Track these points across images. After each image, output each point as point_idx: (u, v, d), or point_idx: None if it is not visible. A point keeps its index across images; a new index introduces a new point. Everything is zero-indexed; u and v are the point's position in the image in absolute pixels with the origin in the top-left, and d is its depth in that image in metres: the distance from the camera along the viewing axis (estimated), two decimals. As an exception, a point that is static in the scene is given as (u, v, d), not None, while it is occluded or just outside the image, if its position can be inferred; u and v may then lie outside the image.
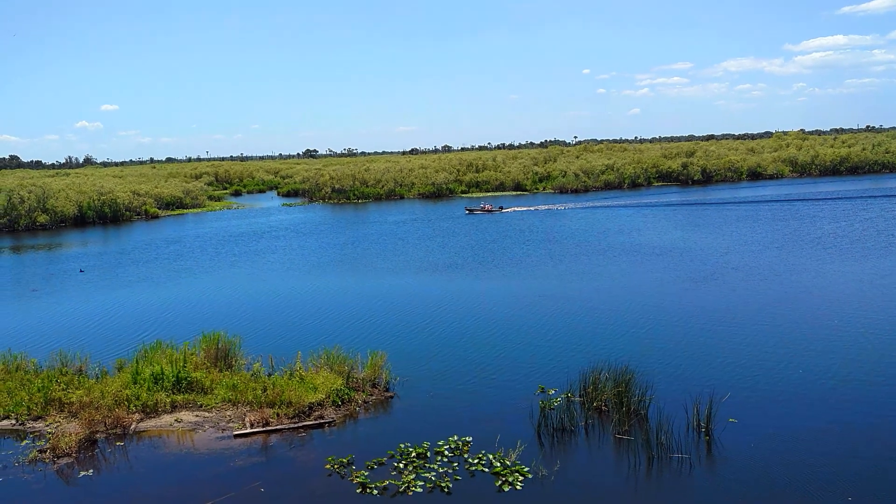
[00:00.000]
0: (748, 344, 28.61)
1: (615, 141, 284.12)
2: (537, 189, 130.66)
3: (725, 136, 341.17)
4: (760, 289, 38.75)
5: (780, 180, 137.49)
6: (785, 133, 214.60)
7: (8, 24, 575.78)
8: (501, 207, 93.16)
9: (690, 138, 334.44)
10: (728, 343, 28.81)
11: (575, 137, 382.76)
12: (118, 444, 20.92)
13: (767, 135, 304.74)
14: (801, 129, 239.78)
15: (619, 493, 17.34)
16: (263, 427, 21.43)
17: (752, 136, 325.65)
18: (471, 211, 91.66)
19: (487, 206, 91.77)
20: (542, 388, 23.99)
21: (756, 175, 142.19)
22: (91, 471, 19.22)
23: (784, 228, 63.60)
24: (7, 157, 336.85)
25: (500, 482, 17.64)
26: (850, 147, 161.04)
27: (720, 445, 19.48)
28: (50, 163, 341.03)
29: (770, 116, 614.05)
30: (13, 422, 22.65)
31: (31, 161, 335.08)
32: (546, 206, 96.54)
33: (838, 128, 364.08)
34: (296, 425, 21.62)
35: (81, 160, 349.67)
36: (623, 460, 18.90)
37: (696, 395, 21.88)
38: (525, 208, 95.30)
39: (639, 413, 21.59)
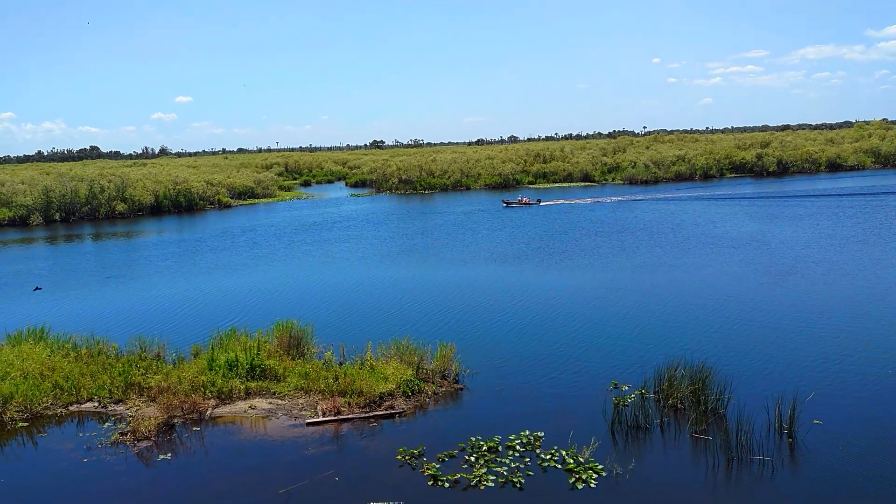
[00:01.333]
0: (832, 342, 27.45)
1: (686, 131, 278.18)
2: (606, 180, 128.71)
3: (801, 127, 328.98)
4: (844, 284, 37.21)
5: (862, 172, 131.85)
6: (867, 123, 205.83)
7: (84, 15, 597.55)
8: (539, 200, 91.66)
9: (764, 129, 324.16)
10: (810, 340, 27.70)
11: (644, 128, 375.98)
12: (194, 428, 21.37)
13: (847, 125, 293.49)
14: (884, 119, 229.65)
15: (697, 494, 16.81)
16: (335, 416, 21.58)
17: (831, 127, 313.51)
18: (508, 204, 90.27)
19: (525, 200, 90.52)
20: (615, 384, 23.50)
21: (835, 166, 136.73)
22: (169, 454, 19.66)
23: (867, 221, 60.98)
24: (88, 147, 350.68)
25: (573, 479, 17.31)
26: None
27: (804, 448, 18.69)
28: (127, 153, 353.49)
29: (850, 106, 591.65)
30: (96, 404, 23.40)
31: (110, 151, 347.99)
32: (591, 199, 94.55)
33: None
34: (367, 415, 21.70)
35: (157, 151, 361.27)
36: (700, 461, 18.33)
37: (778, 395, 21.06)
38: (565, 201, 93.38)
39: (717, 412, 20.92)
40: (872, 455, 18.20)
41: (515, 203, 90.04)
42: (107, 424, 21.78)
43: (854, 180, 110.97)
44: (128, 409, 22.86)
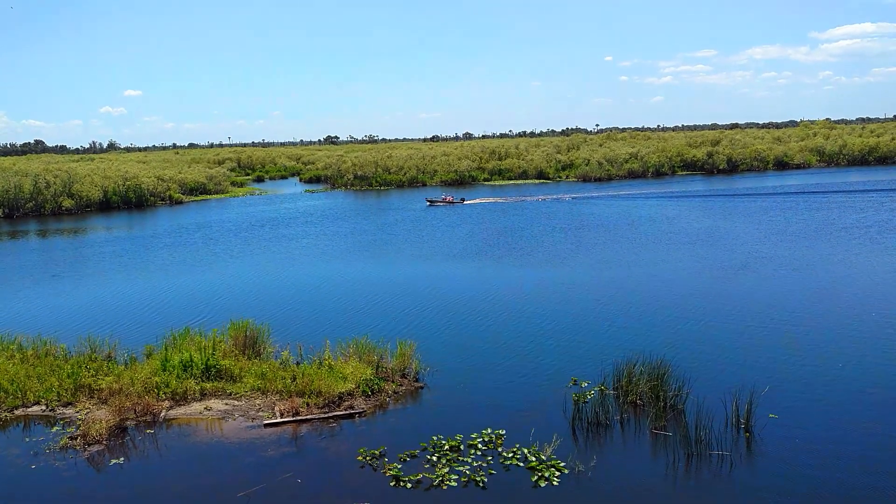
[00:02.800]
0: (785, 336, 27.98)
1: (638, 129, 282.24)
2: (560, 177, 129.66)
3: (749, 125, 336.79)
4: (795, 279, 38.03)
5: (808, 170, 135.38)
6: (812, 122, 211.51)
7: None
8: (463, 199, 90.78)
9: (714, 127, 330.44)
10: (764, 335, 28.19)
11: (597, 125, 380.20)
12: (148, 431, 20.78)
13: (792, 124, 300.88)
14: (827, 119, 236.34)
15: (658, 490, 16.91)
16: (293, 417, 21.21)
17: (777, 125, 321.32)
18: (432, 202, 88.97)
19: (449, 198, 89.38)
20: (575, 381, 23.55)
21: (782, 164, 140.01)
22: (122, 458, 19.08)
23: (815, 218, 62.46)
24: (32, 141, 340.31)
25: (535, 477, 17.26)
26: (878, 137, 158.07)
27: (761, 442, 18.96)
28: (74, 147, 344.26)
29: (795, 105, 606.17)
30: (43, 408, 22.60)
31: (56, 146, 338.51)
32: (515, 199, 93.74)
33: (865, 117, 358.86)
34: (326, 415, 21.37)
35: (105, 145, 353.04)
36: (661, 456, 18.46)
37: (735, 390, 21.32)
38: (489, 200, 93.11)
39: (675, 408, 21.12)
40: (828, 446, 18.55)
41: (439, 202, 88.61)
42: (55, 429, 21.04)
43: (801, 178, 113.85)
44: (77, 412, 22.12)
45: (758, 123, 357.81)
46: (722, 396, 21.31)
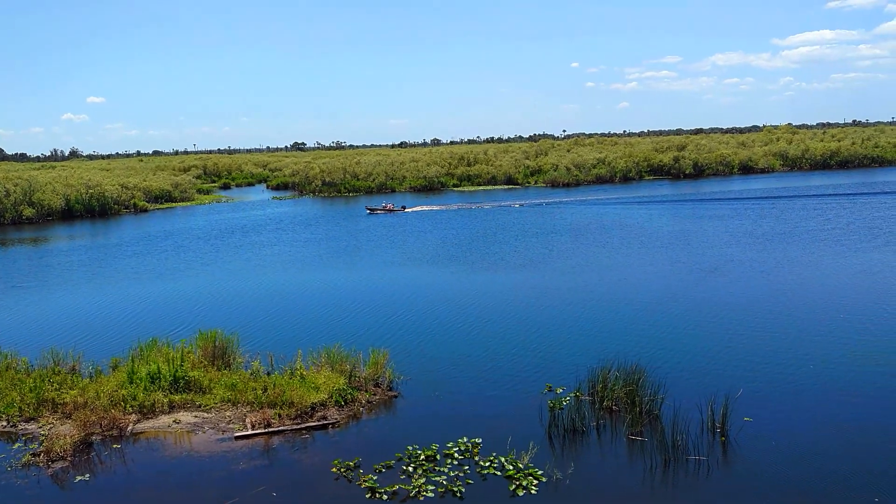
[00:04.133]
0: (757, 338, 28.21)
1: (605, 135, 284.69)
2: (529, 183, 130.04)
3: (714, 130, 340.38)
4: (764, 282, 38.41)
5: (772, 174, 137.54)
6: (775, 127, 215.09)
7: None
8: (404, 207, 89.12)
9: (679, 132, 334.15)
10: (737, 338, 28.36)
11: (564, 131, 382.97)
12: (115, 446, 20.19)
13: (755, 129, 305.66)
14: (789, 123, 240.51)
15: (636, 496, 16.80)
16: (265, 428, 20.76)
17: (741, 130, 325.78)
18: (372, 210, 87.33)
19: (389, 206, 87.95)
20: (550, 387, 23.41)
21: (747, 169, 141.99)
22: (87, 475, 18.49)
23: (782, 222, 63.30)
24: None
25: (513, 486, 17.04)
26: (839, 141, 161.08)
27: (737, 446, 18.98)
28: (35, 155, 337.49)
29: (758, 110, 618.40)
30: (4, 423, 21.87)
31: (16, 154, 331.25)
32: (459, 206, 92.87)
33: (825, 122, 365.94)
34: (298, 426, 20.95)
35: (67, 153, 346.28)
36: (638, 462, 18.37)
37: (710, 394, 21.34)
38: (431, 207, 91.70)
39: (651, 413, 21.05)
40: (803, 447, 18.64)
41: (379, 209, 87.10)
42: (17, 445, 20.34)
43: (766, 182, 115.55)
44: (40, 427, 21.43)
45: (722, 129, 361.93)
46: (697, 401, 21.30)
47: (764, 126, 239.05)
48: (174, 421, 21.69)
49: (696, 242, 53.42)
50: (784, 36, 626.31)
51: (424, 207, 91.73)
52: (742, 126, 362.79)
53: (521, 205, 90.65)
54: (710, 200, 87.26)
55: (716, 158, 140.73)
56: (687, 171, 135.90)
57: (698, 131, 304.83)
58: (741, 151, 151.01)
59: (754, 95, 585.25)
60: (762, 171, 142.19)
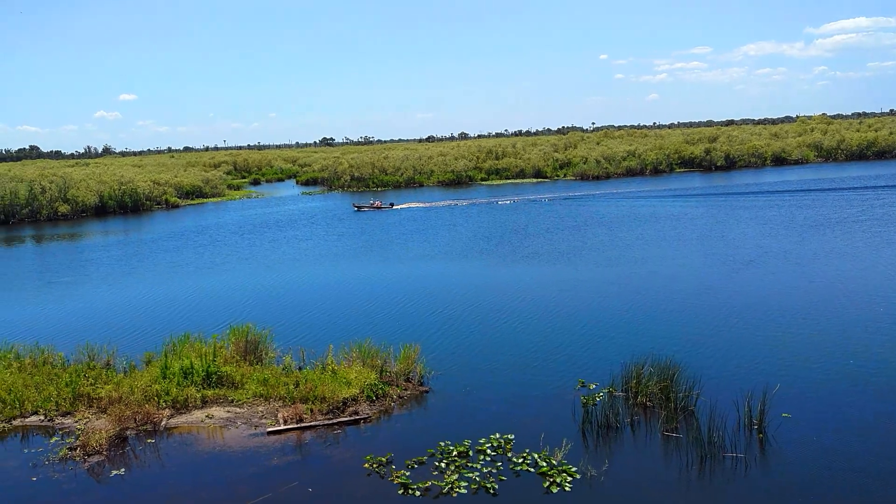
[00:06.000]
0: (794, 332, 27.68)
1: (634, 127, 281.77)
2: (558, 176, 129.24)
3: (745, 122, 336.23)
4: (801, 274, 37.73)
5: (806, 165, 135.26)
6: (809, 118, 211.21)
7: (16, 5, 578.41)
8: (392, 204, 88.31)
9: (709, 124, 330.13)
10: (774, 332, 27.84)
11: (592, 124, 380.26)
12: (149, 441, 20.34)
13: (788, 119, 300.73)
14: (823, 114, 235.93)
15: (672, 493, 16.51)
16: (297, 423, 20.78)
17: (773, 121, 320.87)
18: (359, 208, 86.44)
19: (377, 203, 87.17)
20: (583, 383, 23.15)
21: (780, 160, 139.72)
22: (123, 469, 18.64)
23: (818, 213, 62.15)
24: (27, 147, 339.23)
25: (547, 483, 16.86)
26: (876, 131, 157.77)
27: (775, 443, 18.58)
28: (69, 153, 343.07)
29: (790, 101, 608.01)
30: (42, 418, 22.16)
31: (51, 151, 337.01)
32: (445, 203, 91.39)
33: (861, 112, 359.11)
34: (330, 422, 20.95)
35: (100, 150, 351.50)
36: (673, 459, 18.07)
37: (746, 390, 20.93)
38: (421, 204, 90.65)
39: (686, 409, 20.72)
40: (842, 444, 18.22)
41: (367, 207, 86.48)
42: (54, 439, 20.59)
43: (800, 173, 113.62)
44: (76, 421, 21.68)
45: (753, 120, 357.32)
46: (733, 396, 20.93)
47: (797, 116, 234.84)
48: (207, 416, 21.80)
49: (730, 235, 52.63)
50: (818, 24, 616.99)
51: (414, 204, 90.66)
52: (774, 117, 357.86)
53: (549, 199, 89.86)
54: (744, 193, 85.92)
55: (748, 150, 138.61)
56: (718, 163, 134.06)
57: (729, 123, 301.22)
58: (774, 143, 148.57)
59: (787, 85, 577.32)
60: (796, 162, 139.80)
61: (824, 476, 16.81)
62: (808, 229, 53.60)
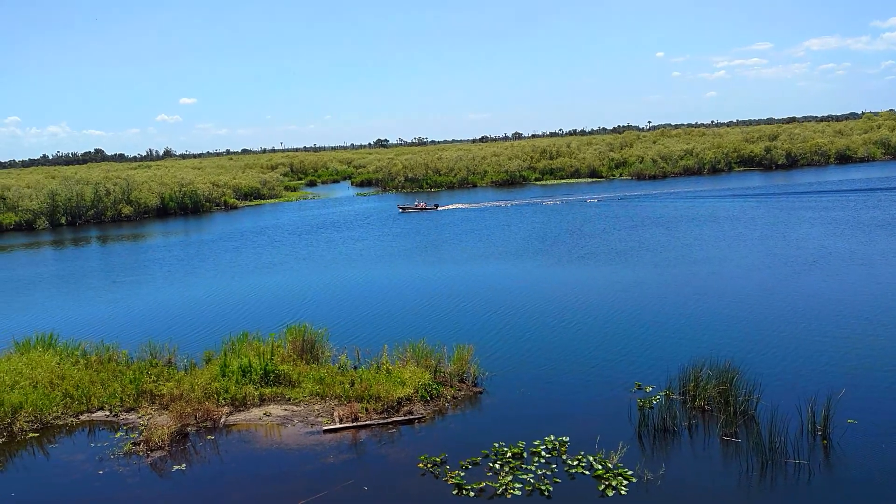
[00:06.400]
0: (860, 335, 26.81)
1: (691, 125, 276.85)
2: (613, 175, 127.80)
3: (807, 119, 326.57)
4: (867, 275, 36.53)
5: (872, 163, 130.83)
6: (875, 114, 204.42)
7: (86, 15, 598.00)
8: (437, 205, 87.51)
9: (770, 121, 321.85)
10: (838, 334, 27.02)
11: (649, 122, 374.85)
12: (208, 437, 20.79)
13: (853, 116, 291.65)
14: (891, 110, 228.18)
15: (732, 499, 16.15)
16: (352, 422, 20.99)
17: (836, 118, 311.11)
18: (404, 209, 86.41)
19: (421, 204, 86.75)
20: (639, 385, 22.85)
21: (845, 158, 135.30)
22: (184, 465, 19.10)
23: (885, 213, 60.07)
24: (92, 150, 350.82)
25: (602, 486, 16.68)
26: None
27: (840, 450, 18.02)
28: (132, 155, 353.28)
29: (855, 97, 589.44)
30: (107, 413, 22.85)
31: (115, 154, 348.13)
32: (491, 203, 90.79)
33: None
34: (385, 421, 21.10)
35: (161, 153, 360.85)
36: (733, 465, 17.68)
37: (809, 394, 20.41)
38: (467, 206, 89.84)
39: (746, 413, 20.24)
40: (912, 456, 17.55)
41: (412, 208, 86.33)
42: (119, 434, 21.23)
43: (866, 171, 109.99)
44: (139, 417, 22.32)
45: (816, 117, 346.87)
46: (796, 401, 20.36)
47: (863, 113, 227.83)
48: (265, 414, 22.19)
49: (792, 235, 51.27)
50: (885, 17, 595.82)
51: (459, 206, 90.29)
52: (838, 113, 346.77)
53: (598, 199, 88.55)
54: (807, 192, 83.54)
55: (810, 148, 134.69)
56: (779, 162, 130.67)
57: (791, 120, 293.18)
58: (838, 140, 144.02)
59: (852, 81, 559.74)
60: (862, 160, 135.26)
61: (893, 485, 16.24)
62: (876, 229, 51.85)
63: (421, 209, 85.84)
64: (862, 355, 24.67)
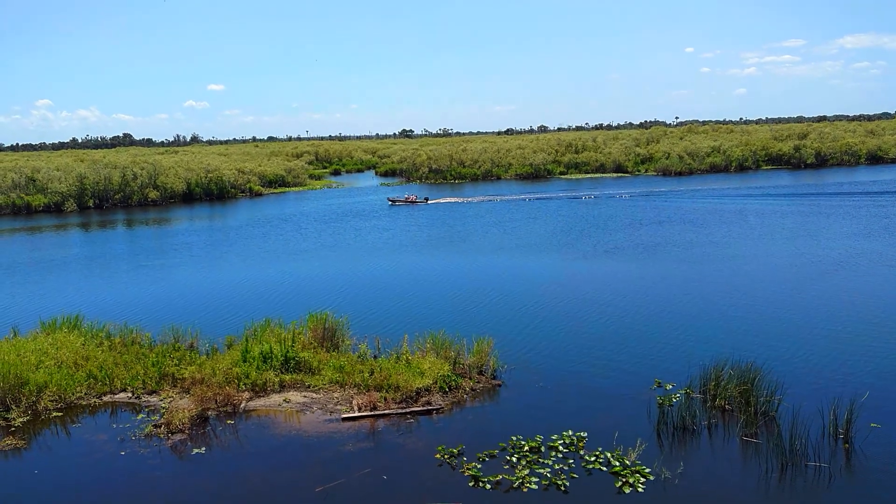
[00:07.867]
0: (886, 338, 26.43)
1: (719, 122, 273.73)
2: (639, 171, 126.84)
3: (839, 118, 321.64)
4: (894, 278, 35.90)
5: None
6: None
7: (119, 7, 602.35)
8: (427, 199, 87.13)
9: (800, 120, 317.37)
10: (863, 337, 26.66)
11: (676, 118, 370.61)
12: (228, 422, 20.99)
13: (886, 116, 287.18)
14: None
15: (750, 500, 16.02)
16: (371, 411, 21.08)
17: (869, 118, 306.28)
18: (394, 202, 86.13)
19: (412, 197, 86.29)
20: (659, 383, 22.71)
21: (876, 159, 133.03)
22: (203, 448, 19.30)
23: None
24: (121, 134, 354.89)
25: (619, 483, 16.63)
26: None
27: (862, 454, 17.80)
28: (159, 140, 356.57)
29: (889, 96, 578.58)
30: (129, 395, 23.14)
31: (143, 139, 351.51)
32: (483, 198, 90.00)
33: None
34: (403, 411, 21.18)
35: (188, 138, 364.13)
36: (752, 466, 17.53)
37: (831, 396, 20.18)
38: (455, 200, 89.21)
39: (767, 414, 20.05)
40: (936, 463, 17.29)
41: (401, 201, 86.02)
42: (140, 416, 21.50)
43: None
44: (161, 400, 22.58)
45: (847, 116, 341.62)
46: (818, 403, 20.14)
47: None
48: (284, 400, 22.35)
49: (820, 235, 50.60)
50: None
51: (448, 200, 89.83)
52: (871, 113, 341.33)
53: (629, 195, 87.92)
54: (836, 193, 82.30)
55: (841, 147, 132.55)
56: (808, 161, 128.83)
57: (821, 119, 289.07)
58: (870, 140, 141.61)
59: (886, 80, 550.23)
60: (893, 160, 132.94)
61: (915, 491, 16.02)
62: (904, 231, 51.02)
63: (412, 202, 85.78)
64: (887, 359, 24.33)
